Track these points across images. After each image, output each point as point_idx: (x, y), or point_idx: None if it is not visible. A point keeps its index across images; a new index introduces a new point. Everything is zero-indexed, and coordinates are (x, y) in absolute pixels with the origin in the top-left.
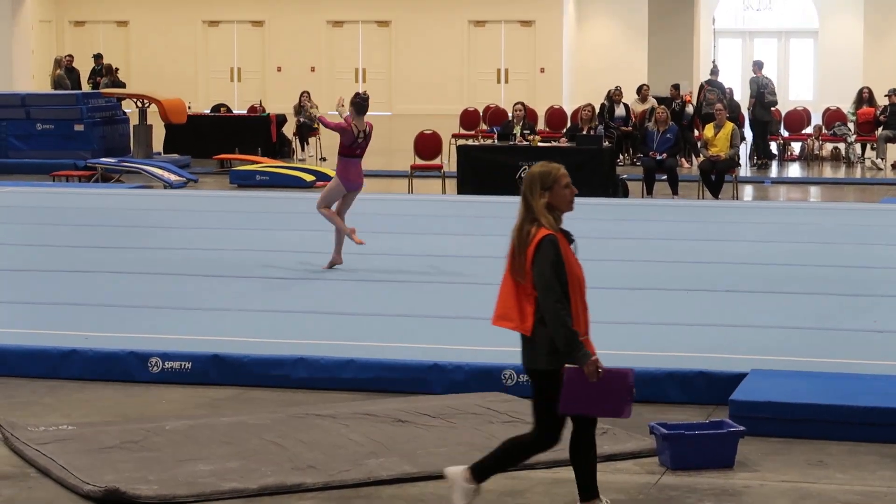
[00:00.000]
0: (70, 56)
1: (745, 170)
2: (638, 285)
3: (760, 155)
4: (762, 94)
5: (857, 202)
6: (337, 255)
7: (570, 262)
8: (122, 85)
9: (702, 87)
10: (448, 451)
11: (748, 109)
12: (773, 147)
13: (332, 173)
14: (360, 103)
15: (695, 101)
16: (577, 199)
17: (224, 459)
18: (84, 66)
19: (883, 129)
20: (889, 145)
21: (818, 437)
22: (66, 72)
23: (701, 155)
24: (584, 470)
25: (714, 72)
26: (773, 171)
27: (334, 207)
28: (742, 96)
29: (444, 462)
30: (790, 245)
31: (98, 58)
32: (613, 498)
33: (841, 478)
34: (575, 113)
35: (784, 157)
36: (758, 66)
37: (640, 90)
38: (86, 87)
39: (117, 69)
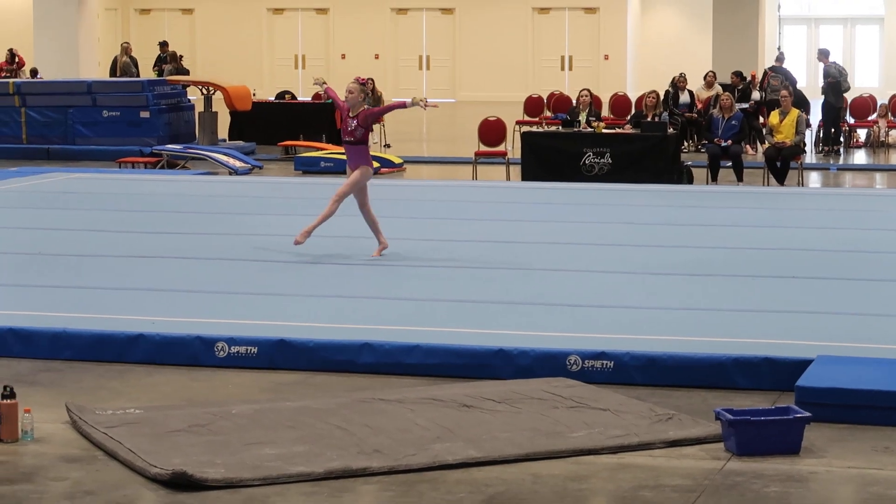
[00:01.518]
0: (127, 43)
1: (810, 156)
2: (703, 272)
3: (830, 142)
4: (839, 83)
5: None
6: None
7: None
8: (186, 72)
9: (765, 73)
10: (513, 437)
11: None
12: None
13: (398, 160)
14: (364, 87)
15: (759, 88)
16: (641, 186)
17: (290, 444)
18: (150, 54)
19: None
20: None
21: (885, 423)
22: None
23: (766, 142)
24: None
25: (779, 58)
26: (839, 157)
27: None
28: (808, 84)
29: (508, 447)
30: (856, 232)
31: (164, 45)
32: (679, 484)
33: None
34: (639, 100)
35: (850, 144)
36: (825, 54)
37: (705, 77)
38: (151, 75)
39: (181, 56)
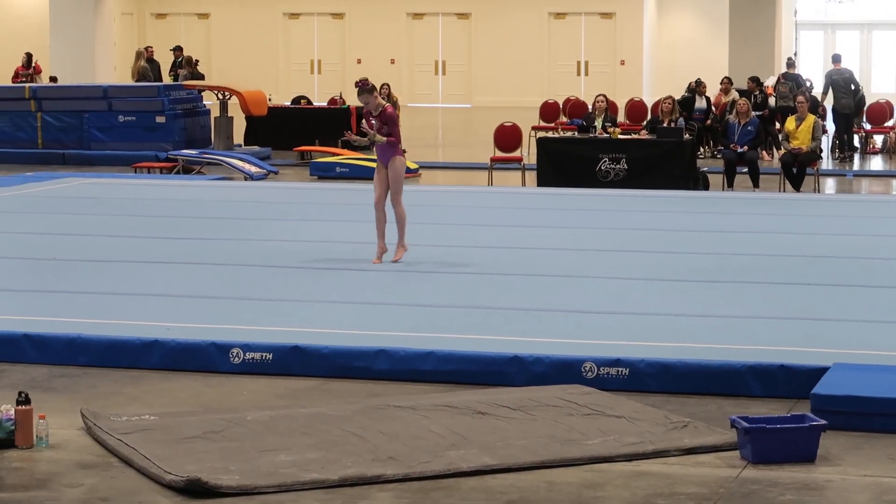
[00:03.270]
0: (150, 48)
1: (826, 163)
2: (719, 278)
3: (844, 148)
4: (857, 89)
5: None
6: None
7: None
8: (201, 77)
9: (778, 79)
10: (528, 444)
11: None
12: (856, 140)
13: (413, 165)
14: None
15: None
16: (657, 192)
17: (305, 450)
18: (165, 59)
19: None
20: None
21: None
22: (147, 63)
23: (782, 147)
24: None
25: (790, 64)
26: (856, 163)
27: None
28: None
29: (523, 454)
30: (872, 238)
31: (177, 50)
32: (694, 491)
33: None
34: (655, 105)
35: (866, 150)
36: (833, 59)
37: (722, 82)
38: (167, 80)
39: (197, 61)
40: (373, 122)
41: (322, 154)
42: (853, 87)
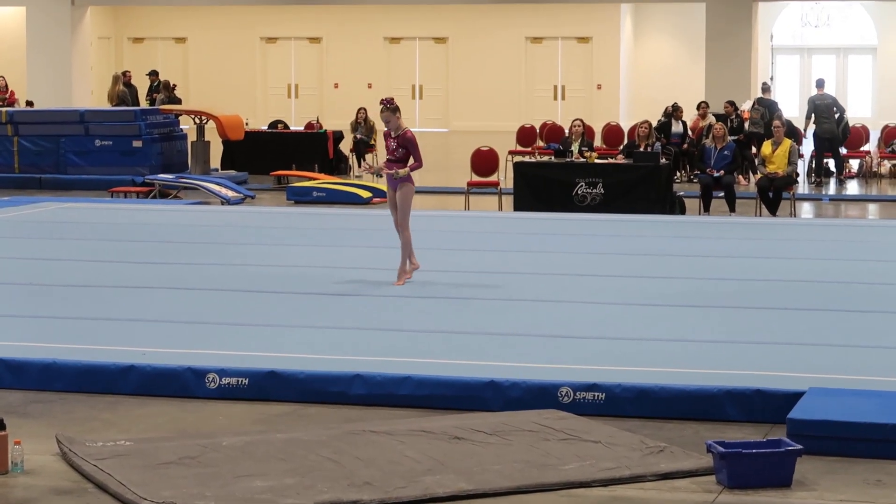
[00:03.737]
0: (128, 72)
1: (803, 187)
2: (695, 303)
3: (820, 173)
4: (841, 115)
5: None
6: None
7: None
8: (179, 101)
9: (753, 104)
10: (504, 469)
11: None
12: (832, 164)
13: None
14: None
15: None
16: (633, 216)
17: (281, 476)
18: (142, 83)
19: None
20: None
21: (877, 456)
22: (125, 87)
23: (759, 172)
24: None
25: (765, 89)
26: (832, 188)
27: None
28: (800, 114)
29: (499, 480)
30: (848, 263)
31: (153, 74)
32: None
33: None
34: (632, 130)
35: (842, 175)
36: (816, 84)
37: (698, 107)
38: (144, 104)
39: (174, 85)
40: (392, 143)
41: (299, 178)
42: (836, 113)
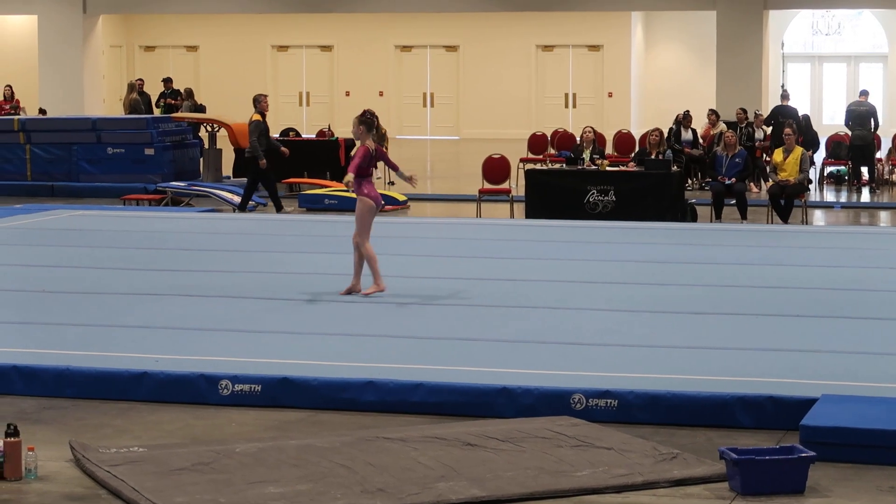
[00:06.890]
0: (141, 80)
1: (814, 194)
2: (707, 310)
3: (852, 179)
4: (876, 123)
5: None
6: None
7: None
8: (203, 109)
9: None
10: (517, 476)
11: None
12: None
13: (402, 197)
14: (370, 121)
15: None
16: (645, 224)
17: (294, 482)
18: (155, 91)
19: None
20: None
21: (890, 463)
22: (139, 95)
23: (770, 179)
24: None
25: (784, 96)
26: (843, 195)
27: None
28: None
29: (512, 486)
30: (860, 270)
31: (167, 81)
32: None
33: None
34: (643, 137)
35: (854, 183)
36: (863, 93)
37: (709, 115)
38: (156, 111)
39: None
40: (373, 156)
41: (310, 186)
42: (873, 121)
